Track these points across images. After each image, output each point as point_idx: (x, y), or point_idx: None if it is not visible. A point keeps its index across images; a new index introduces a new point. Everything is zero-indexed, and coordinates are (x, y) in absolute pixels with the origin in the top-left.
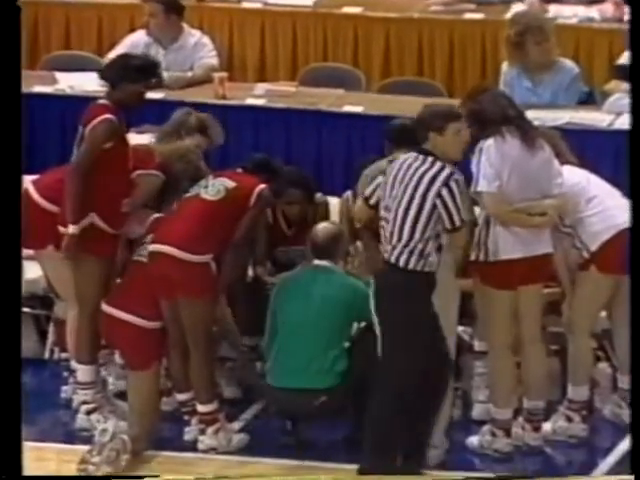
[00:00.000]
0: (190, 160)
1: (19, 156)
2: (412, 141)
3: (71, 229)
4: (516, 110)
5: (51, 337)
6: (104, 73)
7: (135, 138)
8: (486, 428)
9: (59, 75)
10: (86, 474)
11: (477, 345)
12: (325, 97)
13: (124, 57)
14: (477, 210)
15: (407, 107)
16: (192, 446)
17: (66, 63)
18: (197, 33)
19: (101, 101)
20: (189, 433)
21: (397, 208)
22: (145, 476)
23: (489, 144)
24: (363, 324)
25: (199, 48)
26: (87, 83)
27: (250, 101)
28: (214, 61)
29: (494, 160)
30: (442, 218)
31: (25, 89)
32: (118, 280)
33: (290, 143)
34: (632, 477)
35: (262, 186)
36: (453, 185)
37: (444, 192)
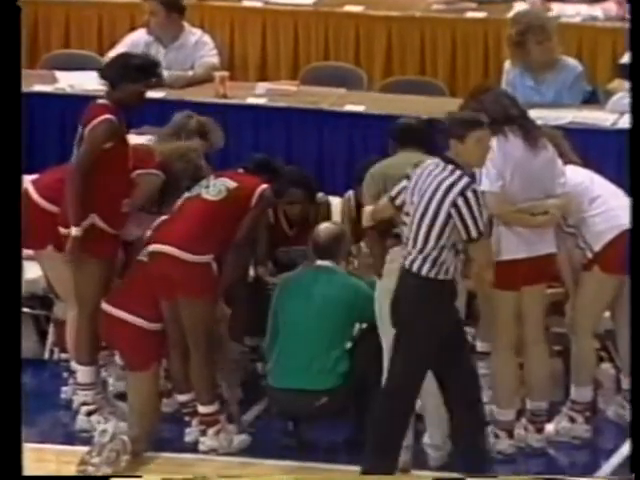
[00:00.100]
0: (190, 159)
1: (19, 156)
2: (416, 140)
3: (74, 231)
4: (519, 109)
5: (51, 337)
6: (104, 72)
7: (135, 139)
8: (489, 429)
9: (59, 74)
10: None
11: (479, 346)
12: (327, 96)
13: (124, 56)
14: None
15: (409, 106)
16: (193, 447)
17: (66, 62)
18: (198, 32)
19: (101, 101)
20: (190, 434)
21: (414, 214)
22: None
23: (492, 144)
24: (365, 325)
25: (200, 47)
26: (87, 82)
27: (251, 100)
28: (215, 60)
29: (497, 160)
30: (457, 228)
31: (25, 88)
32: (118, 281)
33: (291, 142)
34: (632, 477)
35: (263, 186)
36: (470, 195)
37: (460, 202)
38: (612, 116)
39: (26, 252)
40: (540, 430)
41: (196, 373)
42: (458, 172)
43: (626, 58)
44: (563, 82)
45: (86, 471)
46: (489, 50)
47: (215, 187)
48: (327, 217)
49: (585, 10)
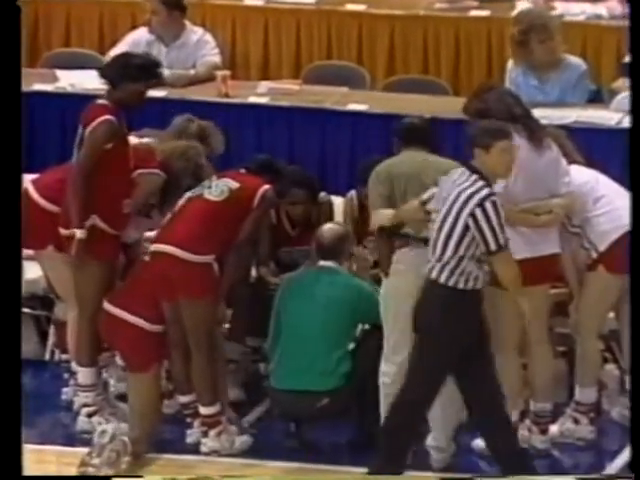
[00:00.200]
0: (190, 158)
1: (19, 155)
2: (420, 140)
3: (78, 234)
4: (523, 108)
5: (52, 338)
6: (104, 72)
7: (135, 141)
8: None
9: (60, 73)
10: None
11: None
12: (329, 95)
13: (125, 56)
14: None
15: (412, 105)
16: (194, 449)
17: (67, 61)
18: (199, 30)
19: (100, 101)
20: (191, 435)
21: (436, 222)
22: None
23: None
24: (367, 326)
25: (201, 46)
26: (88, 81)
27: (253, 99)
28: (217, 59)
29: None
30: (476, 239)
31: (25, 87)
32: (120, 283)
33: (294, 142)
34: (632, 477)
35: (266, 187)
36: (488, 206)
37: (478, 212)
38: (617, 115)
39: (26, 252)
40: (544, 431)
41: (197, 374)
42: (480, 183)
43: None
44: (567, 81)
45: (87, 472)
46: (492, 49)
47: (217, 187)
48: (329, 217)
49: (589, 8)
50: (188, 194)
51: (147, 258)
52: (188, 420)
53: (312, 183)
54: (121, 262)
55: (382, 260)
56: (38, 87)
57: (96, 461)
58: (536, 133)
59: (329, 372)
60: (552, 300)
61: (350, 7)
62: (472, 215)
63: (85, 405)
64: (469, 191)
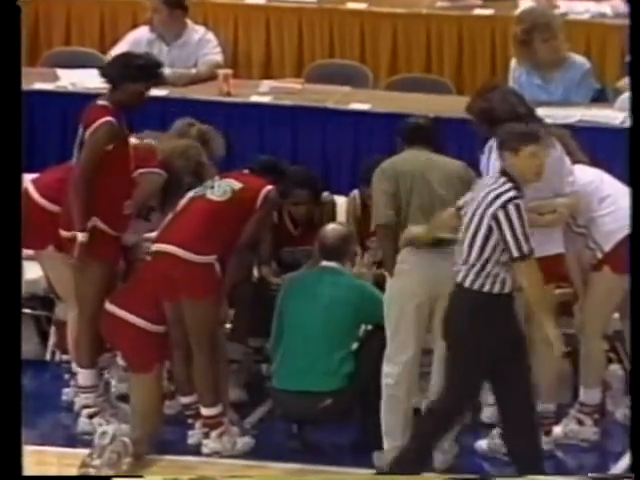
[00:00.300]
0: (191, 156)
1: (19, 154)
2: (424, 139)
3: (80, 237)
4: (527, 108)
5: (52, 339)
6: (105, 71)
7: (135, 141)
8: (495, 431)
9: (60, 72)
10: None
11: None
12: (332, 94)
13: (126, 56)
14: None
15: (415, 104)
16: (196, 450)
17: (67, 60)
18: (201, 29)
19: (101, 102)
20: (193, 436)
21: (464, 224)
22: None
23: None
24: (370, 326)
25: (203, 44)
26: (89, 80)
27: (255, 98)
28: (218, 58)
29: None
30: (500, 243)
31: (26, 86)
32: (120, 285)
33: (296, 141)
34: (632, 477)
35: (269, 187)
36: (511, 209)
37: (500, 215)
38: (621, 114)
39: (26, 252)
40: (548, 432)
41: (199, 375)
42: (507, 185)
43: None
44: (571, 80)
45: (87, 473)
46: (496, 47)
47: (220, 188)
48: (332, 217)
49: (594, 7)
50: (190, 194)
51: (149, 258)
52: (189, 421)
53: (315, 183)
54: (120, 265)
55: (386, 260)
56: (39, 86)
57: (97, 462)
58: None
59: (332, 373)
60: (556, 300)
61: (351, 5)
62: (495, 217)
63: (86, 406)
64: (495, 193)
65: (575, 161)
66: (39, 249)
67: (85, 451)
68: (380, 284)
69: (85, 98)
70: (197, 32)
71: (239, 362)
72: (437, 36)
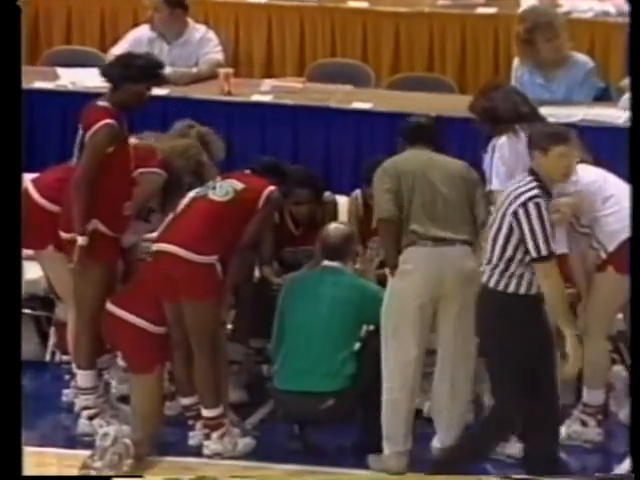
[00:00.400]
0: (191, 155)
1: (19, 154)
2: (425, 139)
3: (80, 240)
4: (530, 107)
5: (52, 339)
6: (106, 71)
7: (135, 141)
8: None
9: (60, 71)
10: None
11: None
12: (333, 93)
13: (127, 56)
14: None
15: (417, 103)
16: (197, 451)
17: (68, 58)
18: (202, 28)
19: (101, 103)
20: (193, 438)
21: (489, 222)
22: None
23: (502, 142)
24: (372, 327)
25: (204, 43)
26: (89, 79)
27: (256, 97)
28: (219, 56)
29: (507, 158)
30: (521, 242)
31: (26, 85)
32: (120, 287)
33: (297, 140)
34: (632, 477)
35: (271, 188)
36: (531, 207)
37: (520, 212)
38: (624, 113)
39: (26, 252)
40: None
41: (200, 376)
42: (532, 184)
43: None
44: (574, 79)
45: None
46: (499, 46)
47: (222, 188)
48: (334, 217)
49: (597, 6)
50: (192, 194)
51: (150, 258)
52: (190, 422)
53: (316, 182)
54: (119, 266)
55: (388, 256)
56: (39, 85)
57: (98, 464)
58: None
59: (333, 373)
60: None
61: (353, 4)
62: (515, 215)
63: (85, 408)
64: (517, 191)
65: (578, 160)
66: (39, 249)
67: (85, 452)
68: (382, 284)
69: (85, 97)
70: (198, 31)
71: (240, 363)
72: (439, 35)
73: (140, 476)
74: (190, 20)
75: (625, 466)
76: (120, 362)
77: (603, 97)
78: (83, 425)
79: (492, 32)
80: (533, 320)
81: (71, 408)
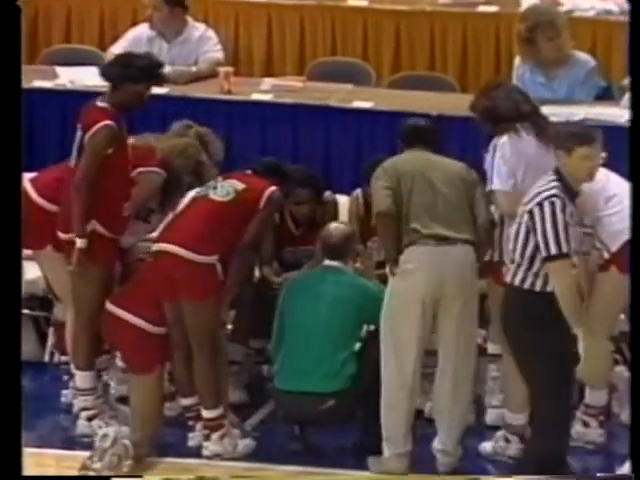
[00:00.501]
0: (190, 155)
1: (19, 153)
2: (423, 141)
3: (79, 243)
4: (531, 106)
5: (51, 339)
6: (105, 71)
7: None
8: (500, 434)
9: (60, 69)
10: None
11: (490, 348)
12: (334, 92)
13: (127, 56)
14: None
15: (418, 102)
16: (196, 452)
17: (67, 57)
18: (202, 26)
19: (100, 104)
20: (193, 439)
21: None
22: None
23: (503, 141)
24: (372, 327)
25: (204, 42)
26: (88, 78)
27: (256, 96)
28: (219, 55)
29: (509, 158)
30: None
31: (25, 84)
32: (117, 288)
33: (298, 139)
34: (632, 477)
35: (272, 188)
36: (546, 206)
37: (535, 210)
38: (626, 112)
39: (25, 252)
40: None
41: (200, 376)
42: (553, 183)
43: None
44: (575, 78)
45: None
46: (500, 45)
47: (223, 188)
48: (334, 216)
49: (599, 4)
50: (193, 194)
51: (150, 258)
52: (190, 423)
53: (317, 182)
54: (117, 267)
55: (388, 256)
56: (38, 84)
57: (97, 465)
58: (545, 130)
59: (334, 373)
60: None
61: (353, 3)
62: (531, 213)
63: (84, 409)
64: (538, 189)
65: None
66: (37, 249)
67: (84, 453)
68: (383, 284)
69: (84, 96)
70: (198, 29)
71: (240, 363)
72: (440, 33)
73: (140, 477)
74: (190, 19)
75: (627, 467)
76: (119, 363)
77: (605, 96)
78: (82, 426)
79: (493, 31)
80: (555, 319)
81: (70, 409)
